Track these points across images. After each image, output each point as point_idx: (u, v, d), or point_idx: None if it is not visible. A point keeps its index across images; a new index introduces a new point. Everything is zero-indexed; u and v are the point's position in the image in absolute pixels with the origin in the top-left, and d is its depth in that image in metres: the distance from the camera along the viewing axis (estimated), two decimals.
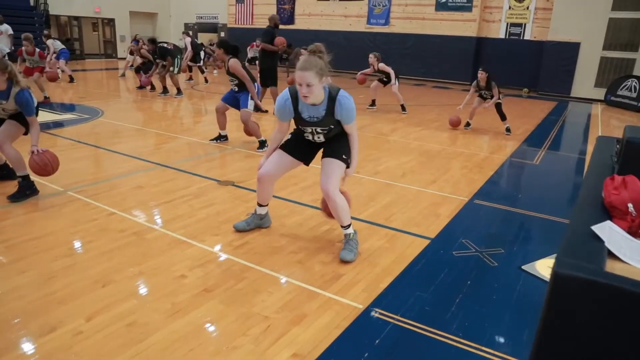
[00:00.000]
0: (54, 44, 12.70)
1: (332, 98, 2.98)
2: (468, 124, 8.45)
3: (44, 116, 7.83)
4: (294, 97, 3.04)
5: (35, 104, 3.97)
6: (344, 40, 18.74)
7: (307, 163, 3.34)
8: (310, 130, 3.15)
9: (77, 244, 3.21)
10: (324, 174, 3.12)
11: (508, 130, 8.08)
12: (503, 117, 8.02)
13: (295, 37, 16.10)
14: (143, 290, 2.69)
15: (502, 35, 16.08)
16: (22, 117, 3.98)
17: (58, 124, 7.32)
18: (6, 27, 12.42)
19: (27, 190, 3.97)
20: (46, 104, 9.01)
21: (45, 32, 14.42)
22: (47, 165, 3.99)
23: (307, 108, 3.03)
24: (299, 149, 3.30)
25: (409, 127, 8.43)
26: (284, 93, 3.09)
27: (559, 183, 5.66)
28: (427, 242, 3.53)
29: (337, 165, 3.13)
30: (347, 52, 18.62)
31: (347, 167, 3.19)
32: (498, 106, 7.93)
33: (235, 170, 5.17)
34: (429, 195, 4.61)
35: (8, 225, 3.50)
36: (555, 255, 1.26)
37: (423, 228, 3.77)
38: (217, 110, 6.26)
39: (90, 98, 10.07)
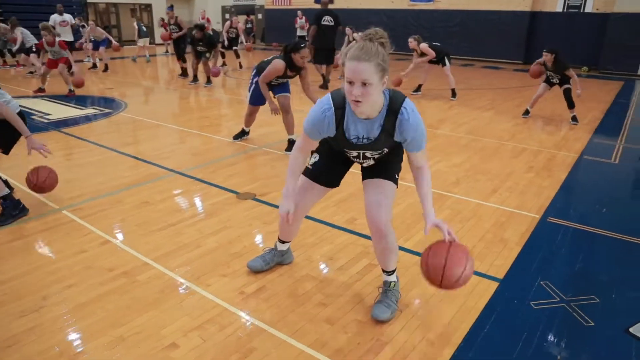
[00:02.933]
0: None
1: (393, 110, 2.03)
2: (527, 112, 7.43)
3: (65, 112, 7.38)
4: (340, 106, 2.08)
5: None
6: (386, 19, 17.65)
7: (337, 185, 2.56)
8: (355, 154, 2.25)
9: (52, 290, 2.58)
10: (373, 203, 2.26)
11: (574, 119, 7.01)
12: (571, 105, 6.97)
13: None
14: None
15: (559, 8, 14.63)
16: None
17: (75, 121, 6.79)
18: (69, 17, 12.31)
19: (12, 212, 3.40)
20: (71, 97, 8.59)
21: (77, 20, 14.11)
22: (42, 190, 3.70)
23: (357, 124, 2.08)
24: (330, 171, 2.46)
25: (458, 116, 7.46)
26: (326, 99, 2.10)
27: None
28: (494, 285, 2.71)
29: (390, 189, 2.32)
30: (389, 32, 17.51)
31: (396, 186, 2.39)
32: (567, 91, 6.90)
33: (258, 178, 4.45)
34: (490, 211, 3.76)
35: None
36: None
37: (487, 263, 2.95)
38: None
39: (119, 89, 9.60)
